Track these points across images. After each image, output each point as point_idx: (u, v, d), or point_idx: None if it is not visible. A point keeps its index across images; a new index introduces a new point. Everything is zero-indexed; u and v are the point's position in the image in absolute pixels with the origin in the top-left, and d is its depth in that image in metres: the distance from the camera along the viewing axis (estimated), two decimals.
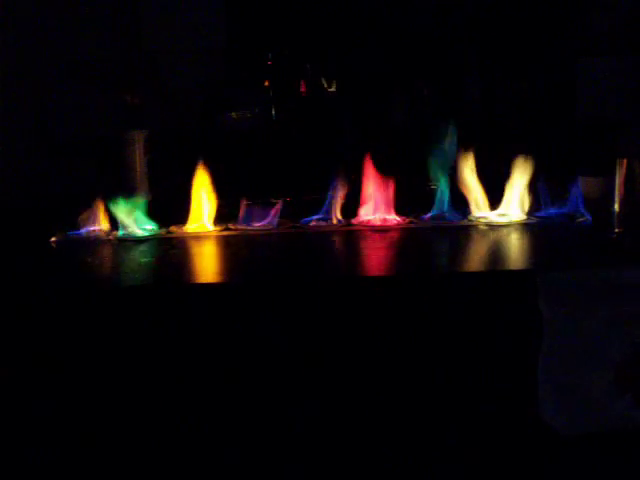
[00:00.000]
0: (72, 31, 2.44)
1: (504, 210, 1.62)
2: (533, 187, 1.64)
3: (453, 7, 2.67)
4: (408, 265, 1.38)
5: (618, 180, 1.61)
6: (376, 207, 1.64)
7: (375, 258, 1.43)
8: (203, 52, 2.59)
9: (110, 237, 1.56)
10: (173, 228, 1.61)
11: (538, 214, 1.62)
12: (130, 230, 1.56)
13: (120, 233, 1.56)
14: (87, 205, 1.60)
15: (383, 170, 1.63)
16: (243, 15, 2.64)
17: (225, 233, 1.59)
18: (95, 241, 1.55)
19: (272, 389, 1.21)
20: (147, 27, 2.55)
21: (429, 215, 1.63)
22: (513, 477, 1.25)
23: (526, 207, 1.62)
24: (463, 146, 1.64)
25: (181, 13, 2.59)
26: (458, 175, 1.61)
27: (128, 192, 1.70)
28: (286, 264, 1.40)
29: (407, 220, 1.63)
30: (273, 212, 1.62)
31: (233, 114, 2.54)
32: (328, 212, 1.63)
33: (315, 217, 1.64)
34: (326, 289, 1.23)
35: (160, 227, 1.60)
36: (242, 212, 1.63)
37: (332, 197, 1.63)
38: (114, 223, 1.58)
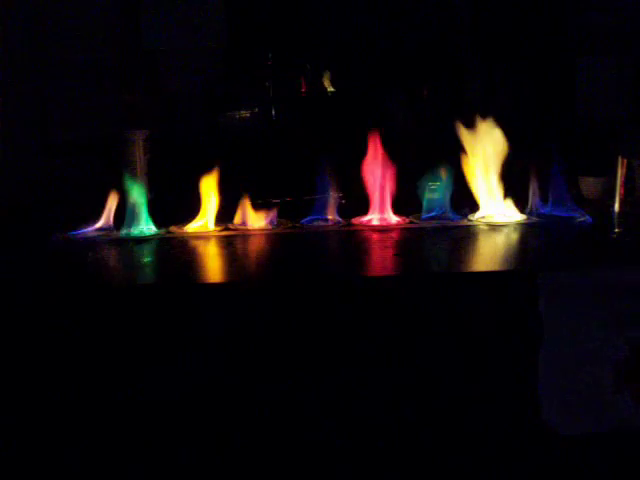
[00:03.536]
0: (72, 31, 2.44)
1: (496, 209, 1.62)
2: (533, 187, 1.65)
3: (452, 7, 2.67)
4: (408, 265, 1.38)
5: (618, 180, 1.62)
6: (376, 207, 1.64)
7: (375, 258, 1.43)
8: (203, 52, 2.59)
9: (110, 237, 1.56)
10: (173, 228, 1.61)
11: (538, 214, 1.62)
12: (132, 229, 1.56)
13: (120, 233, 1.56)
14: (87, 205, 1.60)
15: (383, 169, 1.64)
16: (243, 15, 2.64)
17: (225, 233, 1.59)
18: (95, 241, 1.55)
19: (272, 388, 1.22)
20: (147, 27, 2.55)
21: (429, 215, 1.63)
22: (513, 477, 1.25)
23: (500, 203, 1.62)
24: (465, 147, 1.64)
25: (181, 13, 2.59)
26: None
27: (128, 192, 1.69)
28: (286, 264, 1.40)
29: (407, 220, 1.64)
30: (272, 212, 1.62)
31: (233, 114, 2.54)
32: (324, 212, 1.64)
33: (315, 217, 1.64)
34: (326, 289, 1.23)
35: (160, 227, 1.60)
36: (242, 212, 1.63)
37: (328, 197, 1.63)
38: (114, 223, 1.58)
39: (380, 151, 1.63)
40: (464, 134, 1.61)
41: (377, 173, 1.62)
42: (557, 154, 1.60)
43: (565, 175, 1.62)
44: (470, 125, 1.62)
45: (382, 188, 1.63)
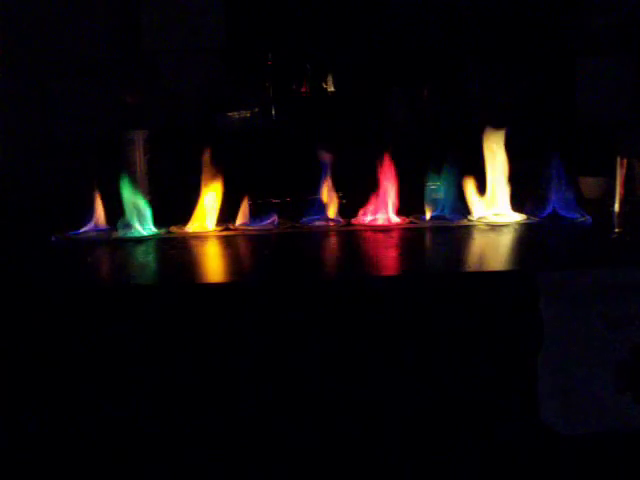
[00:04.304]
0: (72, 31, 2.44)
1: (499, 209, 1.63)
2: (534, 187, 1.65)
3: (452, 8, 2.67)
4: (408, 265, 1.38)
5: (618, 180, 1.62)
6: (376, 207, 1.64)
7: (375, 258, 1.43)
8: (203, 52, 2.59)
9: (110, 237, 1.56)
10: (173, 228, 1.61)
11: (538, 214, 1.62)
12: (132, 229, 1.56)
13: (120, 233, 1.56)
14: (87, 205, 1.60)
15: (384, 169, 1.64)
16: (243, 15, 2.64)
17: (225, 233, 1.59)
18: (95, 241, 1.55)
19: (271, 388, 1.22)
20: (147, 27, 2.55)
21: (429, 215, 1.63)
22: (513, 477, 1.25)
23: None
24: (465, 147, 1.64)
25: (181, 13, 2.59)
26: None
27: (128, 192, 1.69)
28: (286, 264, 1.40)
29: (407, 220, 1.64)
30: (272, 212, 1.62)
31: (233, 114, 2.54)
32: (325, 212, 1.64)
33: (314, 217, 1.64)
34: (326, 289, 1.23)
35: (160, 227, 1.60)
36: (242, 212, 1.64)
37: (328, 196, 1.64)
38: (114, 223, 1.58)
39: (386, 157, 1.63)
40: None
41: (379, 172, 1.63)
42: (558, 154, 1.60)
43: (566, 175, 1.62)
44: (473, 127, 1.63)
45: (383, 188, 1.63)
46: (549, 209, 1.62)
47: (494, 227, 1.57)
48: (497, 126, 1.63)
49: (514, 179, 1.63)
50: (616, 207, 1.66)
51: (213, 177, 1.61)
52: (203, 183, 1.61)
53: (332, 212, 1.64)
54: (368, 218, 1.63)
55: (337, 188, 1.65)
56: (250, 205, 1.64)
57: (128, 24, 2.51)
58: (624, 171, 1.63)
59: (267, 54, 2.68)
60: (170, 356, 1.20)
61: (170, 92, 2.49)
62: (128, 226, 1.56)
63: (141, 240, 1.54)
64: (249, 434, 1.22)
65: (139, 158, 1.82)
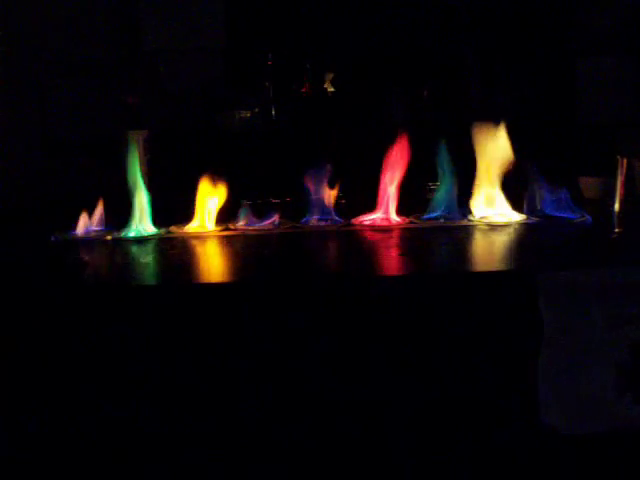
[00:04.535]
0: (72, 31, 2.44)
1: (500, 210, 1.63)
2: (533, 188, 1.65)
3: (452, 8, 2.67)
4: (408, 265, 1.38)
5: (618, 180, 1.62)
6: (376, 207, 1.64)
7: (375, 258, 1.43)
8: (203, 52, 2.59)
9: (110, 237, 1.56)
10: (173, 228, 1.61)
11: (538, 214, 1.62)
12: (132, 229, 1.56)
13: (120, 233, 1.56)
14: (87, 205, 1.60)
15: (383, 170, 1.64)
16: (243, 15, 2.64)
17: (225, 233, 1.59)
18: (95, 241, 1.55)
19: (271, 389, 1.22)
20: (147, 27, 2.55)
21: (429, 215, 1.63)
22: (514, 477, 1.25)
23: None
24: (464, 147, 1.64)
25: (181, 13, 2.59)
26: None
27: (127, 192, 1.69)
28: (286, 264, 1.40)
29: (407, 220, 1.64)
30: (272, 213, 1.62)
31: (233, 114, 2.54)
32: (323, 211, 1.64)
33: (314, 217, 1.64)
34: (327, 289, 1.23)
35: (160, 227, 1.60)
36: (242, 212, 1.64)
37: (326, 196, 1.64)
38: (114, 223, 1.58)
39: (402, 152, 1.63)
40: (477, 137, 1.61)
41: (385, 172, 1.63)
42: (556, 156, 1.61)
43: (563, 176, 1.63)
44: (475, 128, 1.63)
45: (384, 188, 1.63)
46: (548, 209, 1.62)
47: (494, 227, 1.57)
48: (494, 123, 1.63)
49: (514, 179, 1.63)
50: (616, 207, 1.66)
51: (213, 178, 1.61)
52: (204, 183, 1.61)
53: (332, 212, 1.64)
54: (368, 218, 1.63)
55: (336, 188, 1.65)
56: (247, 205, 1.64)
57: (128, 24, 2.51)
58: (624, 171, 1.63)
59: (267, 54, 2.68)
60: (170, 356, 1.20)
61: (170, 92, 2.49)
62: (129, 226, 1.56)
63: (141, 240, 1.54)
64: (249, 434, 1.22)
65: (139, 158, 1.82)
